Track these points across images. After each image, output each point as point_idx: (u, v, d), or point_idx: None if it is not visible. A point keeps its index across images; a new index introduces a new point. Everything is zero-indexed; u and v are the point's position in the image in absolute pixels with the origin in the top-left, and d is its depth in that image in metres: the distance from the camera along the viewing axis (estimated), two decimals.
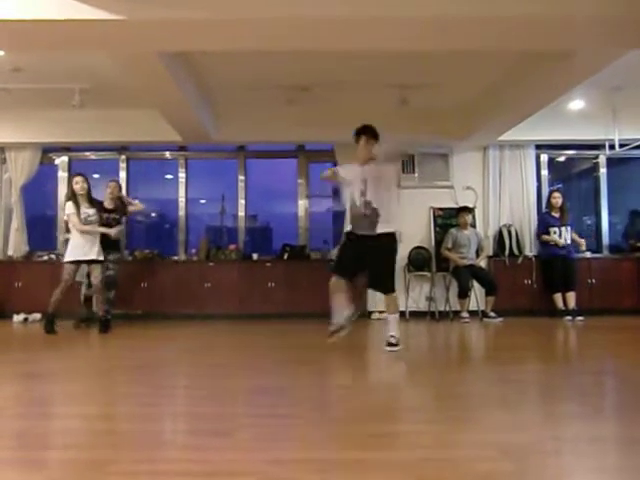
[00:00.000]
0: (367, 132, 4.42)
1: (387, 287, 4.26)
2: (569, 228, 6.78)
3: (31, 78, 5.68)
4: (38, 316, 6.68)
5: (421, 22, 3.73)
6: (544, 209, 7.06)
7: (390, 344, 4.13)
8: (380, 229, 4.20)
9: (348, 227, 4.39)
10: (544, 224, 6.89)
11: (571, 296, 6.57)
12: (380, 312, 6.95)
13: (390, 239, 4.24)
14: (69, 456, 1.88)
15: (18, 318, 6.58)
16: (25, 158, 7.24)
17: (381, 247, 4.20)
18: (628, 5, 3.61)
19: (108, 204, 6.06)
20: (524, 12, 3.64)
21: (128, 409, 2.54)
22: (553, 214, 6.84)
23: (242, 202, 7.64)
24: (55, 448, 2.00)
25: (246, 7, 3.61)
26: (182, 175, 7.62)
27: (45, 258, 7.16)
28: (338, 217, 7.81)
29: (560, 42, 4.16)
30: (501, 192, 7.28)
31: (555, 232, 6.75)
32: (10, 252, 7.24)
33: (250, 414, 2.44)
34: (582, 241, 6.82)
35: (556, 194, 6.89)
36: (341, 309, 4.28)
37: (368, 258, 4.21)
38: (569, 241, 6.77)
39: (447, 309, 6.84)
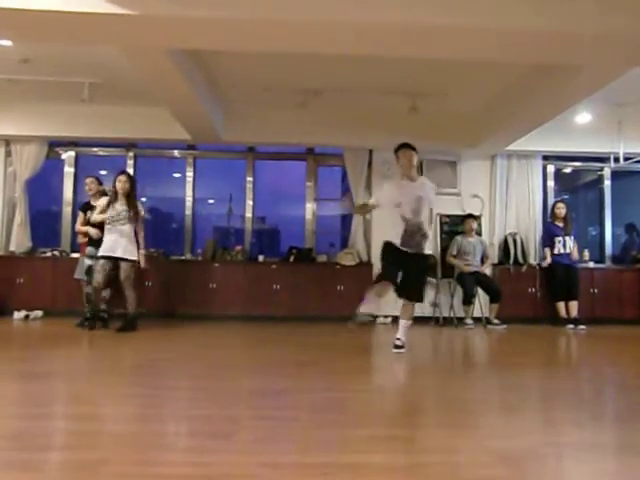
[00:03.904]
0: (410, 146, 4.46)
1: (416, 297, 4.43)
2: (572, 238, 6.89)
3: (39, 70, 5.62)
4: (39, 313, 6.59)
5: (433, 31, 3.78)
6: (548, 219, 7.17)
7: (397, 346, 4.33)
8: (426, 250, 4.43)
9: (395, 240, 4.34)
10: (548, 234, 6.99)
11: (573, 305, 6.67)
12: (385, 317, 6.99)
13: (427, 259, 4.53)
14: (63, 457, 1.85)
15: (19, 315, 6.45)
16: (31, 152, 7.14)
17: (422, 263, 4.44)
18: (635, 23, 3.69)
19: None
20: (534, 26, 3.71)
21: (126, 410, 2.49)
22: (557, 224, 6.94)
23: (250, 203, 7.62)
24: (49, 449, 1.95)
25: (261, 8, 3.63)
26: (190, 174, 7.58)
27: (48, 254, 7.06)
28: (346, 221, 7.83)
29: (568, 56, 4.25)
30: (507, 201, 7.36)
31: (559, 241, 6.86)
32: (12, 247, 7.11)
33: (250, 416, 2.42)
34: (575, 252, 6.89)
35: (560, 204, 7.00)
36: (371, 305, 4.33)
37: (407, 267, 4.34)
38: (573, 250, 6.88)
39: (451, 315, 6.88)
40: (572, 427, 2.35)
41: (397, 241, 4.31)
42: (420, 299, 4.44)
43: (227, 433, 2.10)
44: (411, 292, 4.39)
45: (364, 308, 4.31)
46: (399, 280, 4.36)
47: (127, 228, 5.46)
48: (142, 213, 5.61)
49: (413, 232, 4.29)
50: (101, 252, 5.42)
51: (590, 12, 3.65)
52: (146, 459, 1.81)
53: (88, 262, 5.77)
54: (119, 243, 5.40)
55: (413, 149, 4.43)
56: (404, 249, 4.29)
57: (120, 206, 5.46)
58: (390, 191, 4.45)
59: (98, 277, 5.38)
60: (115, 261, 5.41)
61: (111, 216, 5.43)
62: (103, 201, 5.53)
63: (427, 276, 4.55)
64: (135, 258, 5.47)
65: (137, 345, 4.73)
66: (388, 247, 4.38)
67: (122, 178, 5.53)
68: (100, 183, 6.00)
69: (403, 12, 3.63)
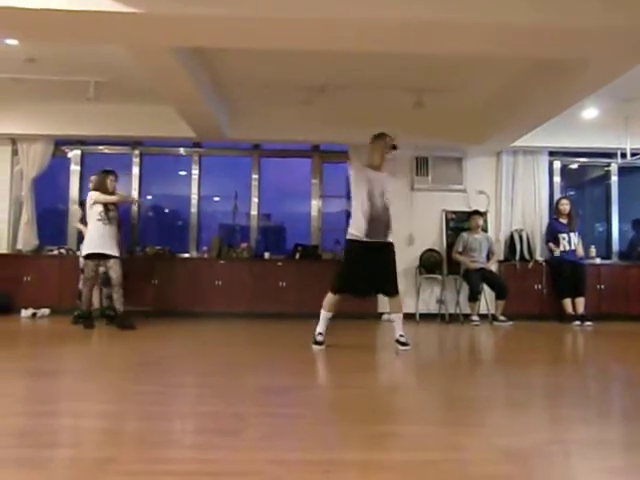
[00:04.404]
0: (388, 137, 4.43)
1: (396, 289, 4.38)
2: (577, 234, 6.88)
3: (45, 69, 5.62)
4: (47, 311, 6.62)
5: (436, 26, 3.75)
6: (553, 216, 7.15)
7: (403, 344, 4.31)
8: (390, 238, 4.37)
9: (359, 232, 4.28)
10: (552, 230, 6.98)
11: (580, 302, 6.65)
12: (389, 313, 6.97)
13: (393, 247, 4.43)
14: (70, 455, 1.85)
15: (26, 313, 6.48)
16: (37, 150, 7.17)
17: (390, 253, 4.36)
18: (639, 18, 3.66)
19: None
20: (538, 20, 3.66)
21: (133, 407, 2.50)
22: (561, 220, 6.93)
23: (255, 200, 7.62)
24: (57, 446, 1.96)
25: (262, 6, 3.61)
26: (195, 172, 7.59)
27: (55, 252, 7.10)
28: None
29: (573, 51, 4.21)
30: (513, 197, 7.34)
31: (564, 238, 6.85)
32: (19, 246, 7.15)
33: (256, 413, 2.42)
34: (580, 248, 6.88)
35: (564, 201, 6.99)
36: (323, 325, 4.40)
37: (377, 262, 4.29)
38: (578, 247, 6.86)
39: (457, 312, 6.87)
40: (579, 424, 2.34)
41: (361, 234, 4.24)
42: (397, 290, 4.37)
43: (234, 430, 2.11)
44: (389, 287, 4.34)
45: (320, 328, 4.36)
46: (371, 279, 4.33)
47: (116, 227, 5.56)
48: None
49: (378, 218, 4.27)
50: (91, 249, 5.44)
51: (594, 8, 3.63)
52: (153, 456, 1.82)
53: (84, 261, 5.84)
54: (110, 241, 5.46)
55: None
56: (371, 240, 4.24)
57: (112, 205, 5.54)
58: (363, 180, 4.37)
59: (91, 281, 5.49)
60: (105, 259, 5.46)
61: (105, 214, 5.46)
62: (97, 193, 5.55)
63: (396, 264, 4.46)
64: (119, 255, 5.55)
65: (143, 343, 4.73)
66: (354, 248, 4.30)
67: (113, 178, 5.59)
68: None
69: (403, 9, 3.61)
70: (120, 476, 1.64)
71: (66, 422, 2.30)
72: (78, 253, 6.79)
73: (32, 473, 1.66)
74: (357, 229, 4.28)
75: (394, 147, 4.48)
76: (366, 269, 4.28)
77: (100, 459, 1.77)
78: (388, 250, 4.34)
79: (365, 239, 4.24)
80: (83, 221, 6.00)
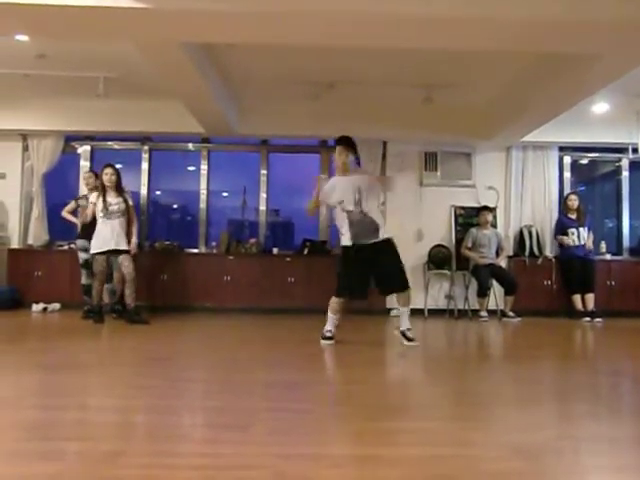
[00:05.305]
0: (342, 142, 4.44)
1: (406, 285, 4.28)
2: (587, 229, 6.83)
3: (55, 65, 5.64)
4: (57, 306, 6.67)
5: (443, 21, 3.74)
6: (562, 211, 7.11)
7: (410, 339, 4.26)
8: (382, 235, 4.30)
9: (347, 239, 4.30)
10: (561, 226, 6.94)
11: (590, 297, 6.61)
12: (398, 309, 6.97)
13: (392, 242, 4.36)
14: (81, 448, 1.86)
15: (37, 308, 6.53)
16: (47, 146, 7.21)
17: (389, 249, 4.29)
18: None
19: None
20: (548, 14, 3.64)
21: (143, 401, 2.52)
22: (570, 216, 6.89)
23: (264, 196, 7.62)
24: (68, 440, 1.96)
25: (271, 0, 3.60)
26: (204, 167, 7.59)
27: (65, 248, 7.15)
28: None
29: (584, 45, 4.17)
30: (523, 193, 7.29)
31: (573, 233, 6.80)
32: (30, 241, 7.21)
33: (265, 408, 2.43)
34: (589, 242, 6.81)
35: (572, 196, 6.95)
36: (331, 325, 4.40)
37: (376, 261, 4.25)
38: (588, 241, 6.82)
39: (466, 308, 6.85)
40: (589, 421, 2.33)
41: (349, 240, 4.25)
42: (407, 284, 4.27)
43: (243, 424, 2.12)
44: (396, 283, 4.27)
45: (329, 326, 4.37)
46: (377, 281, 4.32)
47: (122, 221, 5.56)
48: (131, 203, 5.72)
49: (359, 222, 4.23)
50: (99, 248, 5.47)
51: (607, 0, 3.59)
52: (162, 450, 1.84)
53: (83, 256, 5.91)
54: (117, 236, 5.47)
55: (342, 144, 4.41)
56: (362, 243, 4.22)
57: (112, 199, 5.55)
58: (333, 191, 4.35)
59: (101, 275, 5.51)
60: (113, 254, 5.49)
61: (105, 209, 5.48)
62: (93, 198, 5.61)
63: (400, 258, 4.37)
64: (128, 248, 5.56)
65: (152, 337, 4.77)
66: (346, 254, 4.31)
67: (108, 171, 5.60)
68: (97, 178, 6.05)
69: (414, 3, 3.60)
70: (130, 469, 1.65)
71: (76, 416, 2.31)
72: (73, 246, 6.80)
73: (43, 465, 1.68)
74: (345, 237, 4.31)
75: (354, 151, 4.50)
76: (365, 272, 4.26)
77: (110, 452, 1.79)
78: (386, 248, 4.26)
79: (352, 243, 4.24)
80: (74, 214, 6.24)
